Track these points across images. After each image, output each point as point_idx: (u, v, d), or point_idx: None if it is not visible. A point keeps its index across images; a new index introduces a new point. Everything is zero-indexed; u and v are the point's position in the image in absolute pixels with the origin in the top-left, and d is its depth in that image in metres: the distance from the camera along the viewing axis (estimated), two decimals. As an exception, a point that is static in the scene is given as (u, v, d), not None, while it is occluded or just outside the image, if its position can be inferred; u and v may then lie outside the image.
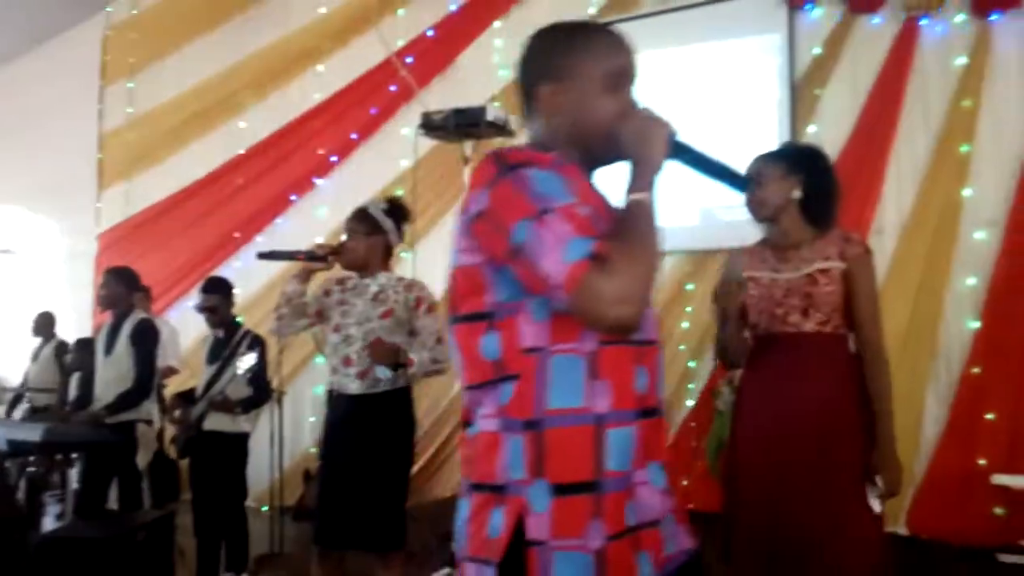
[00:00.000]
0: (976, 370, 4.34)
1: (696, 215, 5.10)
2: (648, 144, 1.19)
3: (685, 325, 5.07)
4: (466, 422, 1.23)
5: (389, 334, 2.75)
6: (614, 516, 1.12)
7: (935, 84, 4.61)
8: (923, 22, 4.63)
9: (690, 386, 5.07)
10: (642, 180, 1.17)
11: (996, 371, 4.29)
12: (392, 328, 2.78)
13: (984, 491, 4.10)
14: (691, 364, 5.06)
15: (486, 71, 5.78)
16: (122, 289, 3.95)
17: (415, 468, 5.37)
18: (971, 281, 4.43)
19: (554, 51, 1.26)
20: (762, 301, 2.19)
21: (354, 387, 2.77)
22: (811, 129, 4.90)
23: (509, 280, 1.13)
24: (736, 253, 2.33)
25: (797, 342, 2.14)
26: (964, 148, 4.49)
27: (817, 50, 4.92)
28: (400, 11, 6.15)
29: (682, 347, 5.05)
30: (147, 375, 3.83)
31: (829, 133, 4.81)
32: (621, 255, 1.06)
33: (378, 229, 2.87)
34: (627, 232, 1.11)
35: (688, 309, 5.09)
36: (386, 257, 2.92)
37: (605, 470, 1.12)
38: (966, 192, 4.48)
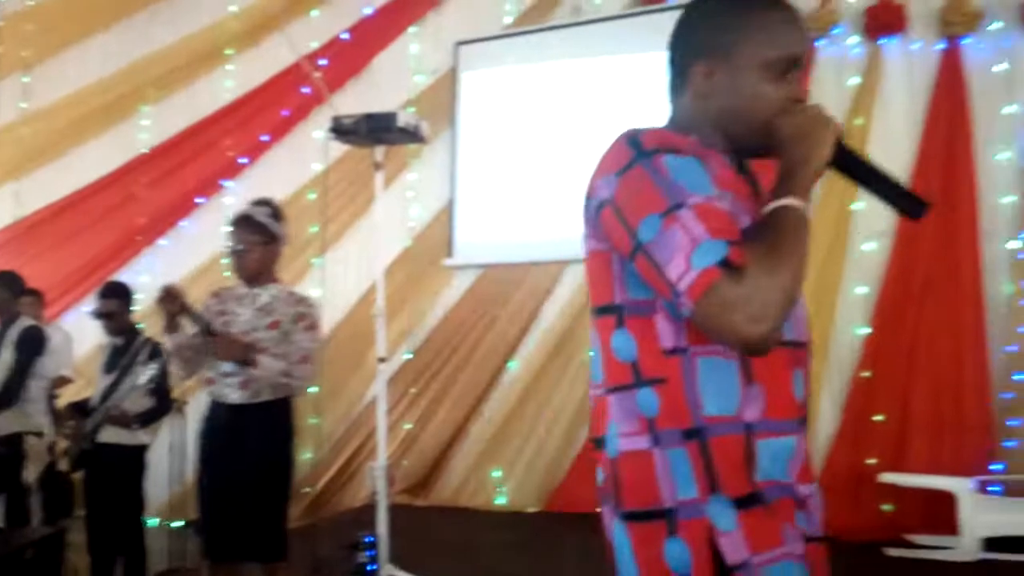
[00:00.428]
0: (866, 374, 4.59)
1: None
2: (811, 144, 1.03)
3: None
4: (596, 438, 1.09)
5: (276, 345, 2.71)
6: (795, 524, 1.02)
7: (830, 102, 4.82)
8: (820, 43, 4.87)
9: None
10: (797, 184, 1.02)
11: (884, 375, 4.54)
12: (278, 339, 2.72)
13: (873, 489, 4.32)
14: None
15: (401, 76, 5.77)
16: (5, 294, 3.75)
17: (324, 479, 5.33)
18: (861, 289, 4.69)
19: (717, 25, 1.10)
20: None
21: (235, 396, 2.70)
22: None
23: (638, 276, 1.02)
24: None
25: None
26: (855, 164, 4.74)
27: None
28: (314, 12, 6.06)
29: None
30: (16, 383, 3.63)
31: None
32: (760, 265, 0.93)
33: (273, 238, 2.82)
34: (770, 240, 0.97)
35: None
36: (275, 265, 2.87)
37: (763, 480, 1.00)
38: (856, 206, 4.73)
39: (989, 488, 4.19)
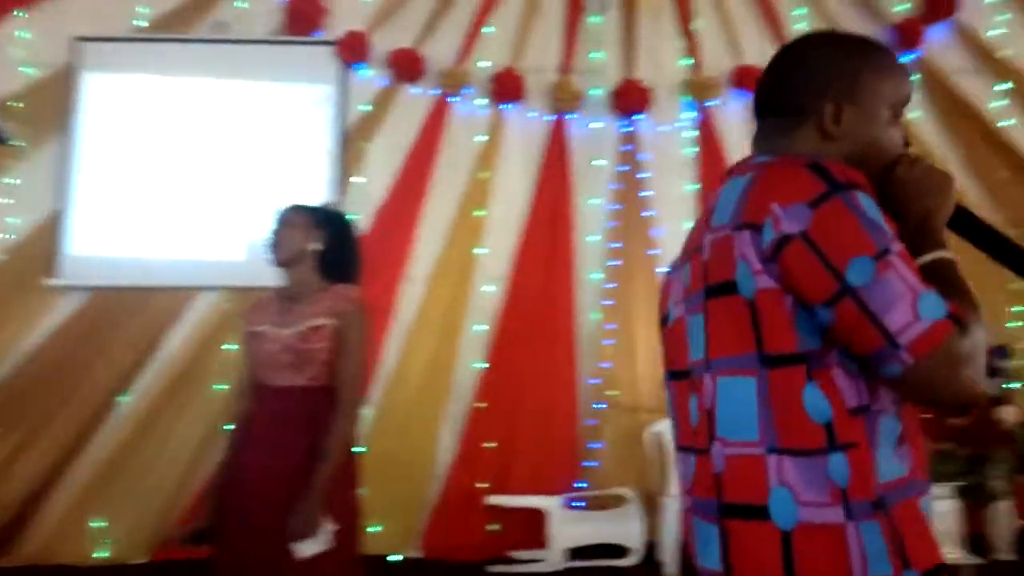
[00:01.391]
0: (481, 405, 5.02)
1: (242, 250, 5.03)
2: (941, 197, 1.03)
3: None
4: (744, 505, 0.95)
5: None
6: None
7: (461, 156, 5.29)
8: (453, 100, 5.30)
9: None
10: (936, 236, 1.02)
11: (496, 405, 5.01)
12: None
13: (481, 511, 4.73)
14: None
15: (4, 66, 4.99)
16: None
17: None
18: (480, 328, 5.14)
19: (845, 63, 1.07)
20: (260, 355, 2.25)
21: None
22: (357, 179, 5.22)
23: (812, 323, 0.93)
24: (248, 308, 2.38)
25: (288, 396, 2.20)
26: (479, 212, 5.23)
27: (366, 107, 5.28)
28: None
29: (222, 386, 4.90)
30: None
31: (373, 185, 5.20)
32: (972, 319, 0.90)
33: None
34: (960, 293, 0.94)
35: (227, 347, 4.96)
36: None
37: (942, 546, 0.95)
38: (480, 250, 5.21)
39: (574, 504, 4.83)
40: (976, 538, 4.49)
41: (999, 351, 4.71)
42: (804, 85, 1.09)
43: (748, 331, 0.95)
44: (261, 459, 2.17)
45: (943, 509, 4.39)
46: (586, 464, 5.01)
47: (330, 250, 2.32)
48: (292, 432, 2.17)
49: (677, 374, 1.11)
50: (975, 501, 4.52)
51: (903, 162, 1.07)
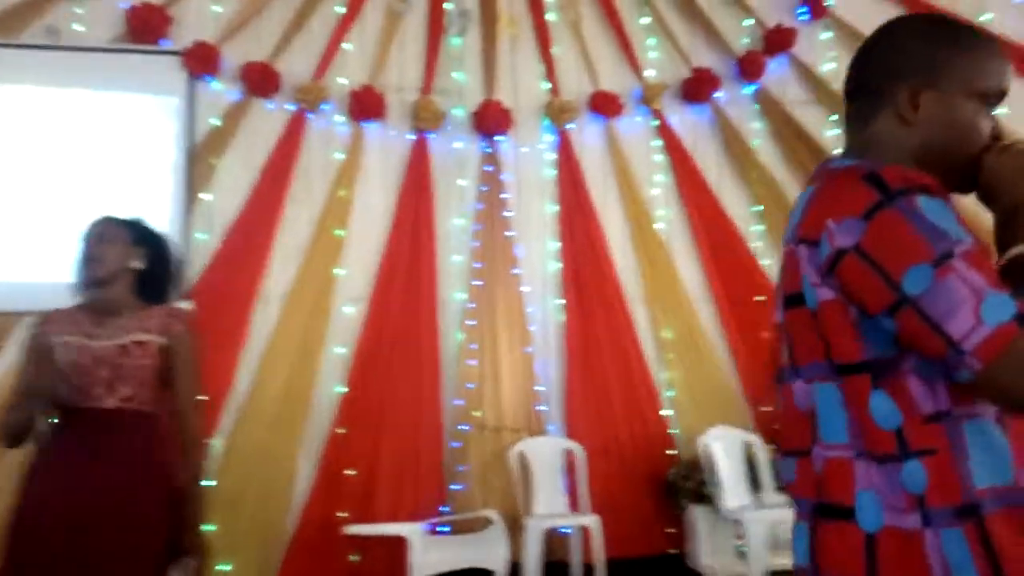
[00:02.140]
0: (341, 430, 4.83)
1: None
2: None
3: None
4: (832, 505, 0.96)
5: None
6: None
7: (318, 173, 5.13)
8: (310, 116, 5.14)
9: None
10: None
11: (357, 430, 4.84)
12: None
13: (342, 541, 4.53)
14: None
15: None
16: None
17: None
18: (340, 350, 4.97)
19: (927, 45, 1.02)
20: (69, 368, 2.04)
21: None
22: (206, 196, 4.95)
23: (882, 332, 0.92)
24: (42, 317, 2.15)
25: (99, 418, 2.01)
26: (339, 232, 5.08)
27: (216, 121, 5.03)
28: None
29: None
30: None
31: (223, 202, 4.95)
32: None
33: None
34: None
35: None
36: None
37: None
38: (339, 271, 5.05)
39: (439, 529, 4.72)
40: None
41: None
42: (884, 67, 1.06)
43: (818, 341, 0.99)
44: (72, 497, 1.94)
45: (788, 517, 4.60)
46: (452, 487, 4.92)
47: (150, 269, 2.15)
48: (112, 466, 1.96)
49: (777, 377, 1.14)
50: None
51: (992, 150, 1.03)
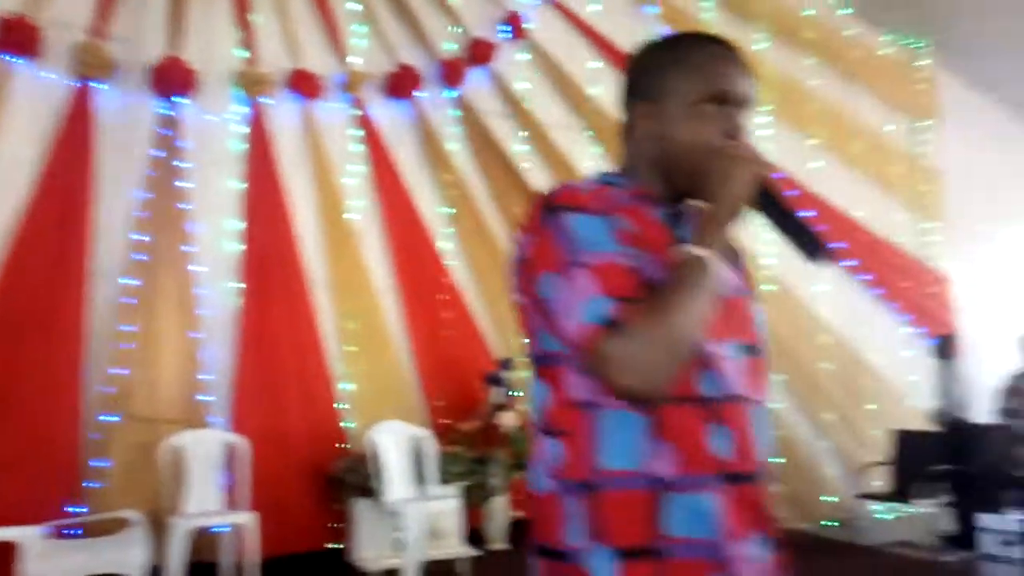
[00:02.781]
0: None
1: None
2: (729, 186, 1.02)
3: None
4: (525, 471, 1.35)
5: None
6: None
7: None
8: None
9: None
10: (705, 231, 1.02)
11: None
12: None
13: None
14: None
15: None
16: None
17: None
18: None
19: (649, 65, 1.12)
20: None
21: None
22: None
23: (545, 330, 1.06)
24: None
25: None
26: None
27: None
28: None
29: None
30: None
31: None
32: (644, 319, 0.96)
33: None
34: (664, 292, 0.98)
35: None
36: None
37: (669, 536, 0.99)
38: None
39: (67, 532, 4.12)
40: (475, 532, 4.93)
41: (504, 363, 5.31)
42: (624, 89, 1.17)
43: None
44: None
45: (449, 508, 4.75)
46: (88, 484, 4.33)
47: None
48: None
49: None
50: (476, 498, 4.98)
51: (713, 153, 1.06)
